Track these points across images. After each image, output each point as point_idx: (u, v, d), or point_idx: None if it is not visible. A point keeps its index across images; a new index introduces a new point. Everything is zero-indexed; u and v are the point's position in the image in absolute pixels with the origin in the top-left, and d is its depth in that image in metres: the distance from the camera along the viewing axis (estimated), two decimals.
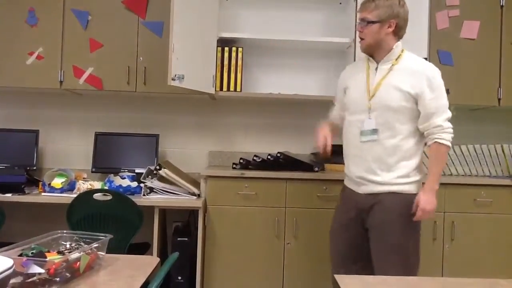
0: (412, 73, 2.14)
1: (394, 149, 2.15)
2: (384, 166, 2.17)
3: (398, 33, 2.19)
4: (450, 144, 2.14)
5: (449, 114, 2.16)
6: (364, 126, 2.19)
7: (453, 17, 3.16)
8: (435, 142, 2.13)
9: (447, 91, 3.14)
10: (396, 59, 2.19)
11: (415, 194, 2.18)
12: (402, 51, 2.22)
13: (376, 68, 2.22)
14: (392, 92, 2.14)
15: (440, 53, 3.15)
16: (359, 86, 2.25)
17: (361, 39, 2.20)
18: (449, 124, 2.15)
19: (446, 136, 2.13)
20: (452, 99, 3.13)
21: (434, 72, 2.16)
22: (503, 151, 3.14)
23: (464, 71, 3.16)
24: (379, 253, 2.21)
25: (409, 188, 2.17)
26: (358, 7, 2.26)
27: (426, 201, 2.11)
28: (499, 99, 3.17)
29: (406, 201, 2.15)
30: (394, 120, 2.15)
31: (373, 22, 2.14)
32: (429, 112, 2.12)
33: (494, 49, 3.17)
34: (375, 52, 2.21)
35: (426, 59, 2.84)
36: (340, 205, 2.39)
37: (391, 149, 2.16)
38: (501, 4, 3.16)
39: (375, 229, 2.21)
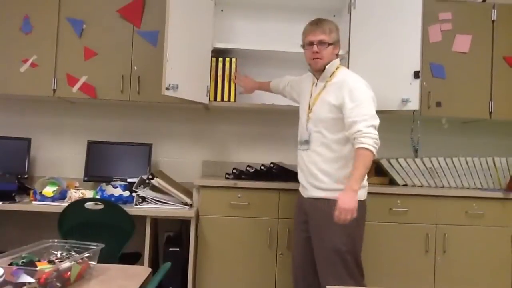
0: (338, 87, 2.34)
1: (329, 157, 2.36)
2: (321, 172, 2.37)
3: (337, 54, 2.48)
4: (371, 148, 2.20)
5: (372, 122, 2.24)
6: (301, 137, 2.49)
7: (446, 31, 3.20)
8: (357, 147, 2.22)
9: (439, 104, 3.21)
10: (330, 76, 2.42)
11: None
12: (337, 68, 2.44)
13: (316, 84, 2.48)
14: (322, 106, 2.38)
15: (433, 66, 3.18)
16: (305, 99, 2.53)
17: (318, 58, 2.39)
18: (371, 130, 2.22)
19: (366, 140, 2.20)
20: (444, 112, 3.20)
21: (356, 84, 2.32)
22: (494, 163, 3.17)
23: (456, 84, 3.20)
24: (319, 259, 2.38)
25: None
26: (311, 28, 2.43)
27: (344, 200, 2.18)
28: (490, 112, 3.21)
29: None
30: (326, 130, 2.36)
31: (330, 44, 2.39)
32: (350, 120, 2.25)
33: (485, 63, 3.22)
34: (323, 70, 2.43)
35: (418, 72, 2.89)
36: (294, 210, 2.62)
37: (326, 156, 2.36)
38: (493, 18, 3.21)
39: (314, 235, 2.40)
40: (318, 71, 2.44)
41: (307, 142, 2.42)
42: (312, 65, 2.46)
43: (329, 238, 2.31)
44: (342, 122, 2.31)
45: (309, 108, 2.45)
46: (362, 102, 2.26)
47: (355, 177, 2.22)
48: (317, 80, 2.47)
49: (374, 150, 2.22)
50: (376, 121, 2.26)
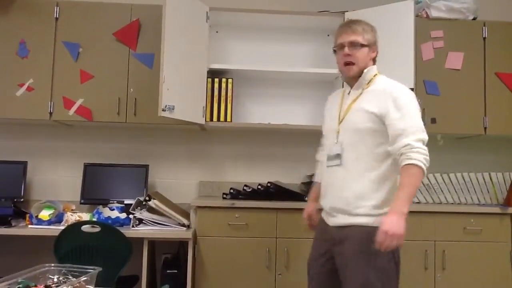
0: (379, 94, 2.02)
1: (362, 175, 2.00)
2: (352, 193, 2.00)
3: (375, 58, 2.15)
4: (422, 165, 1.87)
5: (421, 136, 1.92)
6: (331, 151, 2.10)
7: (438, 48, 3.24)
8: (405, 164, 1.89)
9: (434, 121, 3.22)
10: (368, 83, 2.09)
11: None
12: (375, 75, 2.11)
13: (349, 93, 2.14)
14: (359, 114, 2.03)
15: (427, 83, 3.21)
16: (333, 112, 2.19)
17: (350, 64, 2.07)
18: (421, 145, 1.90)
19: (415, 155, 1.87)
20: (439, 128, 3.22)
21: (400, 92, 2.00)
22: (490, 179, 3.17)
23: (450, 100, 3.23)
24: None
25: (380, 221, 1.87)
26: (342, 29, 2.13)
27: (389, 223, 1.80)
28: (485, 128, 3.23)
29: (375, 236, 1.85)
30: (362, 144, 2.01)
31: (364, 46, 2.07)
32: (396, 132, 1.93)
33: (478, 79, 3.25)
34: (359, 77, 2.11)
35: (412, 89, 2.91)
36: (314, 238, 2.23)
37: (358, 175, 2.00)
38: (484, 36, 3.26)
39: (342, 268, 2.02)
40: (353, 78, 2.10)
41: (338, 156, 2.05)
42: (344, 72, 2.13)
43: (361, 274, 1.94)
44: (383, 134, 1.98)
45: (339, 119, 2.11)
46: (410, 112, 1.95)
47: (402, 197, 1.86)
48: (351, 88, 2.13)
49: (425, 168, 1.88)
50: (425, 136, 1.93)
